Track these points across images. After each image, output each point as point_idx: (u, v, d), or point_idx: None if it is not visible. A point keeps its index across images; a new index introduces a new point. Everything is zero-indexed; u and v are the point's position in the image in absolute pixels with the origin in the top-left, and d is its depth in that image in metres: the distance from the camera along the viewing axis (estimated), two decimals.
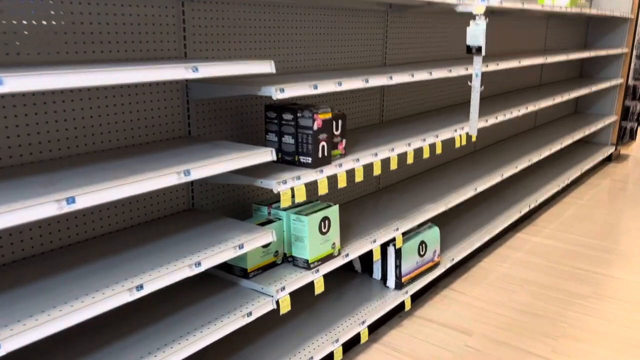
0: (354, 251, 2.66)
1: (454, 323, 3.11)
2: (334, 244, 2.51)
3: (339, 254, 2.56)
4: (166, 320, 2.06)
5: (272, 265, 2.43)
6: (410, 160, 2.90)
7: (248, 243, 2.07)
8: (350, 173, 3.27)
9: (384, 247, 3.10)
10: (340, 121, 2.46)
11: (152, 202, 2.29)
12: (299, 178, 2.23)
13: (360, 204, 3.36)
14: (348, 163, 2.49)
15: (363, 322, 2.74)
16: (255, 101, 2.66)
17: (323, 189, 2.36)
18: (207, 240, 2.07)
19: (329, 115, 2.33)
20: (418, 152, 3.73)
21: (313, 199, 2.76)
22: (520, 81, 5.53)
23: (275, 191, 2.13)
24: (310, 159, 2.32)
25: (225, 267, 2.39)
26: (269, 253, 2.41)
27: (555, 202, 5.14)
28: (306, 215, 2.37)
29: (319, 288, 2.44)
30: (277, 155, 2.42)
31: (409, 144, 2.89)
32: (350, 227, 2.95)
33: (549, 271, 3.74)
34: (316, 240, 2.41)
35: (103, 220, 2.13)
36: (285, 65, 2.79)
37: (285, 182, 2.17)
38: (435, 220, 4.12)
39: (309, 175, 2.29)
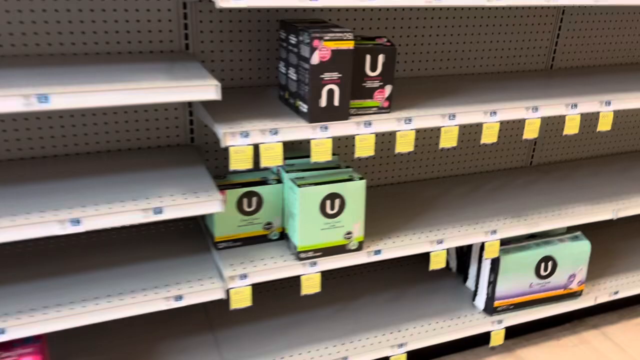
0: (394, 249, 1.85)
1: None
2: (349, 233, 1.75)
3: (360, 248, 1.79)
4: (81, 274, 1.67)
5: (260, 240, 1.82)
6: (531, 133, 1.85)
7: (169, 209, 1.51)
8: (388, 138, 2.29)
9: (480, 253, 2.16)
10: (381, 57, 1.61)
11: (148, 127, 1.87)
12: (275, 132, 1.53)
13: (449, 185, 2.40)
14: (384, 122, 1.64)
15: (403, 345, 1.96)
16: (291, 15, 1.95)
17: (322, 154, 1.60)
18: (174, 187, 1.58)
19: (345, 45, 1.52)
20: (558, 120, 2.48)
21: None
22: None
23: (223, 144, 1.49)
24: (306, 107, 1.57)
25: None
26: (256, 223, 1.79)
27: None
28: (305, 185, 1.67)
29: (308, 288, 1.76)
30: (284, 93, 1.73)
31: (533, 108, 1.83)
32: (412, 216, 2.09)
33: None
34: (314, 223, 1.70)
35: (87, 136, 1.80)
36: None
37: (246, 134, 1.50)
38: (589, 232, 2.82)
39: (299, 132, 1.56)
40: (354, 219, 1.75)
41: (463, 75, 2.24)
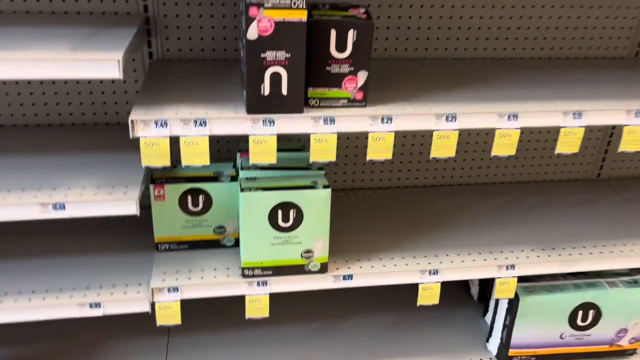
0: (369, 276, 1.48)
1: None
2: (308, 251, 1.41)
3: (323, 270, 1.45)
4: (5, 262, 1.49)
5: (210, 245, 1.53)
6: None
7: (72, 206, 1.25)
8: (356, 141, 1.75)
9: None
10: (351, 33, 1.22)
11: (82, 101, 1.64)
12: (201, 123, 1.21)
13: (471, 196, 1.93)
14: (352, 120, 1.26)
15: None
16: None
17: (265, 155, 1.26)
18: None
19: (295, 15, 1.15)
20: None
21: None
22: None
23: (132, 133, 1.20)
24: (244, 94, 1.23)
25: None
26: (204, 225, 1.51)
27: None
28: (250, 189, 1.35)
29: (253, 311, 1.45)
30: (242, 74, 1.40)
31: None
32: (404, 233, 1.69)
33: None
34: (261, 235, 1.38)
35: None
36: None
37: (164, 122, 1.20)
38: None
39: (233, 124, 1.23)
40: (313, 235, 1.40)
41: (480, 61, 1.75)
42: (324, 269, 1.45)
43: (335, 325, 1.83)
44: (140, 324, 1.75)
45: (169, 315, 1.41)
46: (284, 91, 1.21)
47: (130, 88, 1.63)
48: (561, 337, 1.68)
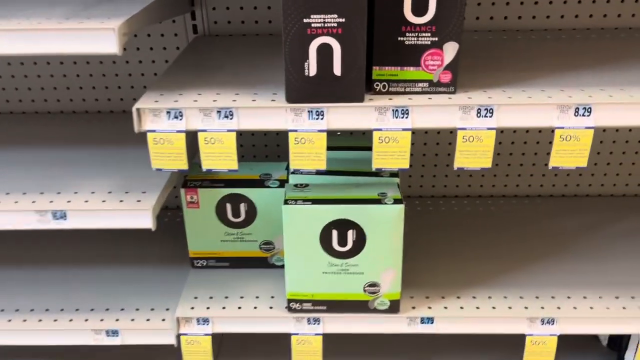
0: (455, 320, 1.11)
1: None
2: (373, 285, 1.07)
3: (394, 310, 1.09)
4: (12, 269, 1.30)
5: (257, 264, 1.24)
6: None
7: (73, 215, 1.00)
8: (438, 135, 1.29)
9: None
10: None
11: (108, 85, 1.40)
12: (228, 115, 0.90)
13: (590, 210, 1.44)
14: (437, 111, 0.89)
15: None
16: None
17: (308, 159, 0.92)
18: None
19: None
20: None
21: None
22: None
23: (137, 127, 0.92)
24: (285, 78, 0.90)
25: None
26: (248, 240, 1.21)
27: None
28: (295, 201, 1.02)
29: (302, 355, 1.13)
30: None
31: None
32: (506, 260, 1.28)
33: None
34: (310, 260, 1.05)
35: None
36: None
37: (179, 113, 0.90)
38: None
39: (268, 116, 0.90)
40: (380, 264, 1.05)
41: (598, 32, 1.28)
42: (394, 308, 1.10)
43: None
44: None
45: (198, 351, 1.14)
46: (337, 71, 0.87)
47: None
48: None
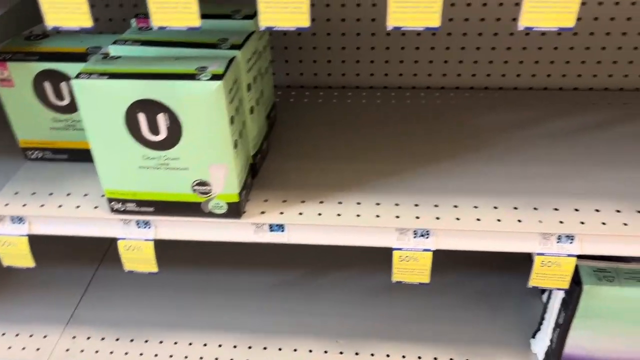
0: (311, 228, 0.91)
1: None
2: (202, 184, 0.87)
3: (234, 214, 0.90)
4: None
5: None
6: None
7: None
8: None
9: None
10: None
11: None
12: None
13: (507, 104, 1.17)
14: None
15: None
16: None
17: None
18: None
19: None
20: None
21: None
22: None
23: None
24: None
25: None
26: (80, 128, 1.01)
27: None
28: (89, 74, 0.81)
29: (133, 263, 0.95)
30: None
31: None
32: (380, 163, 1.05)
33: None
34: (123, 151, 0.85)
35: None
36: None
37: None
38: None
39: None
40: (205, 158, 0.84)
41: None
42: (234, 211, 0.90)
43: (301, 282, 1.31)
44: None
45: (15, 254, 0.98)
46: None
47: None
48: None
